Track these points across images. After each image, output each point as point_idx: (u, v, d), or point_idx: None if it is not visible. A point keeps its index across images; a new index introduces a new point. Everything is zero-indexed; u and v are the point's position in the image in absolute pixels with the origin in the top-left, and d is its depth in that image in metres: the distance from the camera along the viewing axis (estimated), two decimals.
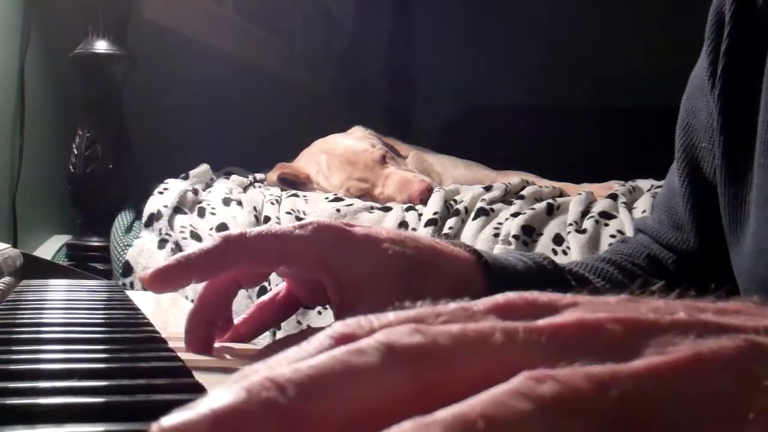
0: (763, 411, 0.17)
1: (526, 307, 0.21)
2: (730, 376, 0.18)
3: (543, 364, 0.18)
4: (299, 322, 1.33)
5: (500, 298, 0.21)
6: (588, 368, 0.18)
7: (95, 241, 1.56)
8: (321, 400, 0.17)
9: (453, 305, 0.21)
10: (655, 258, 0.64)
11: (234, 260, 0.45)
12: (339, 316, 0.47)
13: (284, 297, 0.53)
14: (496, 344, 0.18)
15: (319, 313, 1.31)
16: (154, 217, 1.49)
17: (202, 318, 0.47)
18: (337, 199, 1.63)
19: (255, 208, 1.55)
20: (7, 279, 0.69)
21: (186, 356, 0.42)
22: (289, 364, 0.18)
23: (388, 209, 1.56)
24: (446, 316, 0.20)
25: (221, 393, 0.17)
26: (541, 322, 0.19)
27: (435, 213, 1.50)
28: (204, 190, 1.66)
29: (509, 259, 0.54)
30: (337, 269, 0.46)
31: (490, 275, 0.50)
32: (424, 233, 1.42)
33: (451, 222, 1.48)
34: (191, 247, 0.47)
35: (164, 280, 0.45)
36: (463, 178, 1.94)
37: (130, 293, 0.74)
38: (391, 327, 0.19)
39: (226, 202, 1.58)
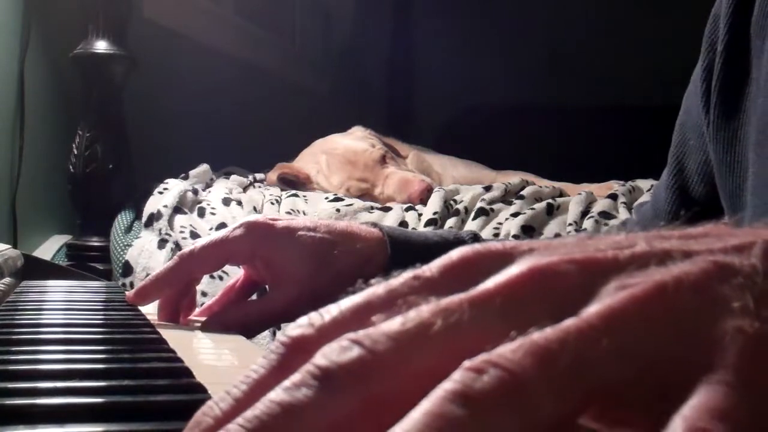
0: (737, 332, 0.16)
1: (480, 260, 0.20)
2: (698, 301, 0.17)
3: (493, 336, 0.17)
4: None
5: (454, 254, 0.20)
6: (534, 338, 0.17)
7: (95, 241, 1.56)
8: None
9: (405, 275, 0.20)
10: None
11: (190, 272, 0.61)
12: (272, 292, 0.61)
13: (243, 281, 0.66)
14: (439, 333, 0.18)
15: None
16: (154, 217, 1.49)
17: (171, 299, 0.62)
18: (337, 199, 1.63)
19: (255, 208, 1.55)
20: (7, 279, 0.69)
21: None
22: (236, 400, 0.19)
23: (388, 209, 1.56)
24: (389, 304, 0.20)
25: None
26: (489, 284, 0.18)
27: (435, 213, 1.50)
28: (204, 190, 1.66)
29: (424, 234, 0.62)
30: (265, 257, 0.60)
31: (392, 246, 0.58)
32: None
33: (450, 222, 1.48)
34: (157, 268, 0.64)
35: (143, 296, 0.60)
36: (463, 178, 1.94)
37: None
38: (332, 336, 0.19)
39: (226, 202, 1.58)
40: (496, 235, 1.43)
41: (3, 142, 1.56)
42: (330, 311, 0.20)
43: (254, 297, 0.69)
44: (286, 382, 0.18)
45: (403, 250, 0.58)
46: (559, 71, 3.25)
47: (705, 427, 0.15)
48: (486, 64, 3.26)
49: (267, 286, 0.64)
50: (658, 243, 0.19)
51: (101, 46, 1.55)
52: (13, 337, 0.42)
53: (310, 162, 1.82)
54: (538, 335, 0.17)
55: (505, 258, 0.20)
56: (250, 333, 0.60)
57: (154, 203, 1.52)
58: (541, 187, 1.65)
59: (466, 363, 0.16)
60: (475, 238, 0.58)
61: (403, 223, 1.50)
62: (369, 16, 3.42)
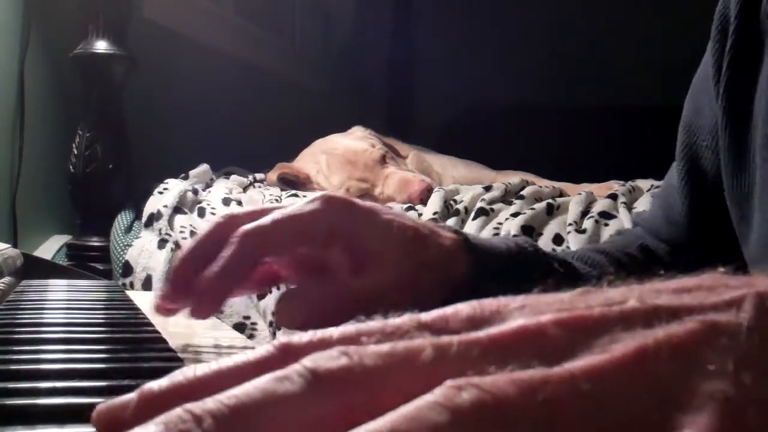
0: (710, 398, 0.16)
1: (474, 316, 0.20)
2: (677, 365, 0.17)
3: (473, 374, 0.17)
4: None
5: (450, 308, 0.21)
6: (516, 373, 0.17)
7: (95, 241, 1.56)
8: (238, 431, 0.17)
9: (404, 318, 0.20)
10: (648, 248, 0.65)
11: (261, 255, 0.46)
12: (360, 276, 0.48)
13: (262, 273, 0.52)
14: (426, 360, 0.18)
15: None
16: (153, 217, 1.49)
17: (193, 264, 0.46)
18: None
19: None
20: (7, 279, 0.69)
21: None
22: (221, 380, 0.19)
23: None
24: (383, 333, 0.20)
25: (143, 428, 0.17)
26: (480, 333, 0.19)
27: (435, 213, 1.50)
28: (204, 190, 1.66)
29: (491, 241, 0.57)
30: (350, 238, 0.48)
31: (472, 252, 0.53)
32: None
33: (451, 222, 1.48)
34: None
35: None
36: (463, 178, 1.94)
37: (130, 293, 0.74)
38: (322, 348, 0.19)
39: (226, 202, 1.58)
40: (496, 235, 1.43)
41: (3, 142, 1.56)
42: (329, 331, 0.20)
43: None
44: (272, 374, 0.18)
45: (482, 256, 0.53)
46: (559, 71, 3.24)
47: None
48: (486, 64, 3.26)
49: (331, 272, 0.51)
50: (650, 299, 0.19)
51: (101, 46, 1.55)
52: (14, 336, 0.42)
53: (310, 162, 1.82)
54: (522, 371, 0.17)
55: (495, 316, 0.20)
56: (326, 322, 0.51)
57: (154, 203, 1.52)
58: (541, 187, 1.64)
59: (449, 381, 0.17)
60: (534, 247, 0.57)
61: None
62: (369, 16, 3.42)
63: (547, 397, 0.17)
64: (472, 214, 1.49)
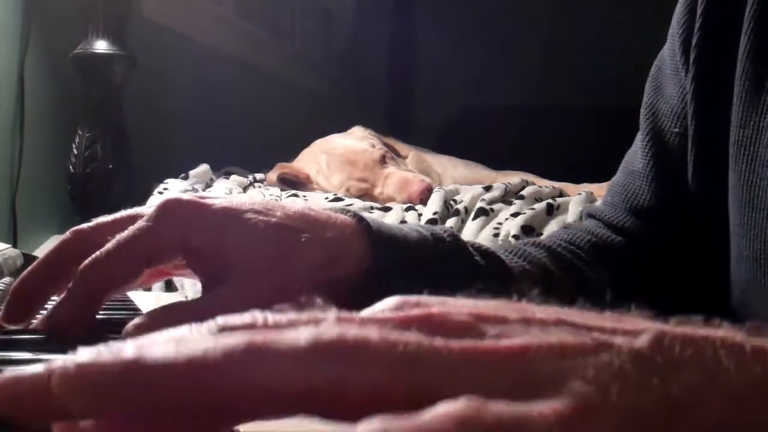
0: (571, 393, 0.17)
1: (397, 305, 0.21)
2: (554, 366, 0.18)
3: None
4: None
5: (375, 306, 0.21)
6: (393, 332, 0.18)
7: None
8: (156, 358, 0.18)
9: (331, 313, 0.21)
10: (599, 244, 0.61)
11: (102, 293, 0.43)
12: (209, 295, 0.44)
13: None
14: (325, 325, 0.19)
15: None
16: None
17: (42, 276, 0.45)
18: (337, 199, 1.63)
19: None
20: (7, 279, 0.69)
21: None
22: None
23: (388, 209, 1.56)
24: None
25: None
26: (388, 314, 0.20)
27: (435, 213, 1.50)
28: (204, 190, 1.66)
29: (402, 228, 0.50)
30: (200, 249, 0.44)
31: (371, 240, 0.47)
32: None
33: (450, 222, 1.48)
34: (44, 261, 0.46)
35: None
36: (463, 178, 1.94)
37: (130, 294, 0.74)
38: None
39: None
40: (496, 235, 1.43)
41: (3, 142, 1.56)
42: (276, 317, 0.20)
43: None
44: (186, 326, 0.19)
45: (384, 243, 0.47)
46: (559, 71, 3.25)
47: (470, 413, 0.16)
48: (486, 64, 3.26)
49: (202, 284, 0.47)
50: (558, 314, 0.20)
51: (101, 46, 1.55)
52: (13, 336, 0.42)
53: (310, 162, 1.82)
54: (403, 333, 0.18)
55: (416, 306, 0.20)
56: None
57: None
58: (541, 187, 1.65)
59: (328, 324, 0.18)
60: (453, 236, 0.52)
61: (403, 223, 1.50)
62: (369, 16, 3.42)
63: (408, 352, 0.17)
64: (472, 214, 1.49)
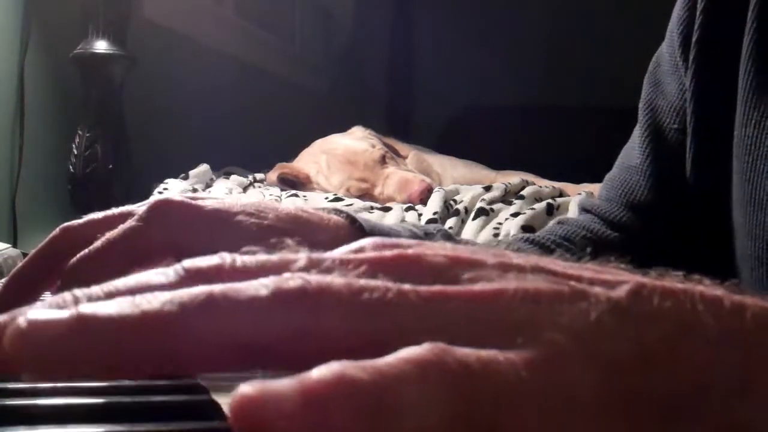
0: (544, 341, 0.17)
1: (371, 247, 0.21)
2: (526, 310, 0.17)
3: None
4: None
5: (353, 244, 0.21)
6: (359, 280, 0.18)
7: None
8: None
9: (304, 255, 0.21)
10: (593, 239, 0.61)
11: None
12: None
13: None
14: (295, 268, 0.19)
15: None
16: None
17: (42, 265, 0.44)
18: (337, 199, 1.63)
19: None
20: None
21: None
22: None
23: (388, 209, 1.56)
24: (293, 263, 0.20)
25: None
26: (361, 255, 0.19)
27: (435, 213, 1.50)
28: (204, 190, 1.66)
29: (394, 228, 0.51)
30: (188, 251, 0.42)
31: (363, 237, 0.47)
32: None
33: (450, 222, 1.48)
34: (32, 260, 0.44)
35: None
36: (463, 178, 1.94)
37: None
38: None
39: None
40: (496, 235, 1.43)
41: (3, 142, 1.56)
42: (245, 259, 0.20)
43: None
44: (153, 270, 0.19)
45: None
46: (559, 71, 3.25)
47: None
48: (486, 64, 3.26)
49: None
50: (534, 261, 0.20)
51: (101, 46, 1.55)
52: None
53: (310, 162, 1.82)
54: (369, 281, 0.18)
55: (393, 247, 0.20)
56: None
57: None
58: (541, 187, 1.65)
59: (289, 273, 0.18)
60: (446, 235, 0.52)
61: (403, 223, 1.50)
62: (369, 16, 3.42)
63: (372, 298, 0.17)
64: (472, 214, 1.49)
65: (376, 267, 0.19)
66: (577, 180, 1.80)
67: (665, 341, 0.17)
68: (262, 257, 0.19)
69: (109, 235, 0.42)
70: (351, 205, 1.58)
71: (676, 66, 0.57)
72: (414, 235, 0.50)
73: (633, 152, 0.62)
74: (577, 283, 0.19)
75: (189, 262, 0.19)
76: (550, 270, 0.19)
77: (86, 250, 0.42)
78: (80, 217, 0.47)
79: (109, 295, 0.18)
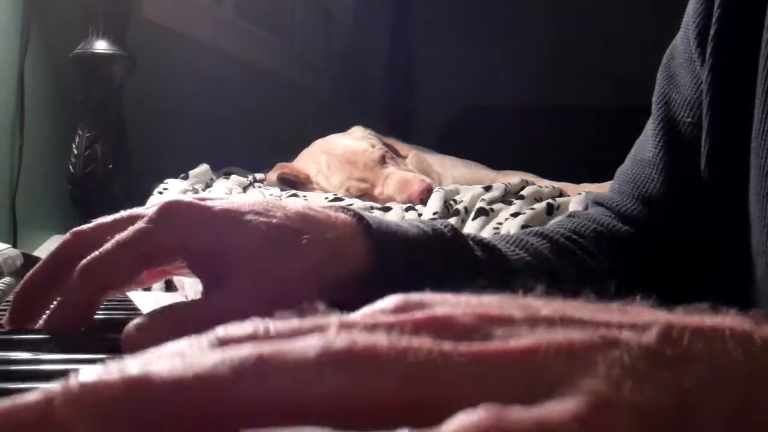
0: (585, 390, 0.17)
1: (397, 307, 0.21)
2: (563, 364, 0.17)
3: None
4: None
5: (375, 304, 0.21)
6: (402, 338, 0.18)
7: None
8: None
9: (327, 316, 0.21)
10: (604, 233, 0.61)
11: (99, 290, 0.43)
12: (210, 297, 0.44)
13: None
14: (329, 330, 0.19)
15: None
16: None
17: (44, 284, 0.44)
18: (337, 199, 1.63)
19: None
20: (7, 279, 0.69)
21: None
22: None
23: (387, 209, 1.56)
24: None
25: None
26: (390, 317, 0.19)
27: (435, 213, 1.50)
28: (204, 190, 1.66)
29: (401, 225, 0.50)
30: (199, 251, 0.44)
31: (372, 239, 0.46)
32: None
33: (450, 222, 1.48)
34: (43, 265, 0.45)
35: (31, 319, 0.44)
36: (463, 178, 1.94)
37: (130, 294, 0.74)
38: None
39: None
40: (496, 235, 1.43)
41: (3, 142, 1.56)
42: (278, 325, 0.20)
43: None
44: (186, 339, 0.19)
45: (385, 241, 0.47)
46: (559, 71, 3.25)
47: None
48: (486, 64, 3.26)
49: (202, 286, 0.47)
50: (563, 309, 0.20)
51: (101, 46, 1.55)
52: (13, 337, 0.42)
53: (310, 162, 1.82)
54: (407, 338, 0.18)
55: (418, 306, 0.20)
56: None
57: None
58: (541, 187, 1.65)
59: (336, 334, 0.18)
60: (454, 231, 0.52)
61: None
62: (369, 16, 3.42)
63: (419, 359, 0.17)
64: (472, 214, 1.49)
65: (411, 330, 0.19)
66: (577, 180, 1.80)
67: (701, 383, 0.17)
68: (294, 323, 0.19)
69: (119, 236, 0.43)
70: (351, 205, 1.58)
71: (692, 59, 0.57)
72: (421, 231, 0.50)
73: (646, 145, 0.61)
74: (607, 331, 0.19)
75: (222, 331, 0.19)
76: (578, 319, 0.19)
77: (96, 252, 0.42)
78: (87, 220, 0.47)
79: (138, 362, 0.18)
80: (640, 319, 0.19)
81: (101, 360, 0.37)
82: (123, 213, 0.46)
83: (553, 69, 3.26)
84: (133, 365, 0.18)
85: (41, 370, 0.34)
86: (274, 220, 0.44)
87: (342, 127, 1.94)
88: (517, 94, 3.17)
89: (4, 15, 1.56)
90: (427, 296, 0.21)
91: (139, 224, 0.43)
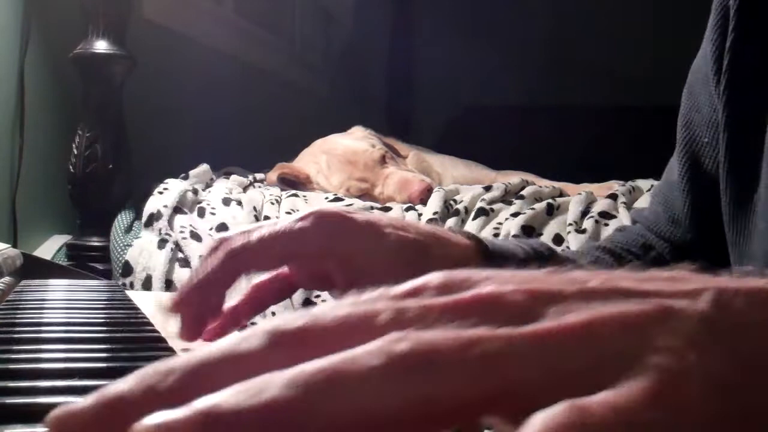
0: (651, 366, 0.17)
1: (441, 286, 0.21)
2: (623, 337, 0.18)
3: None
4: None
5: (421, 279, 0.22)
6: (459, 330, 0.18)
7: (95, 241, 1.55)
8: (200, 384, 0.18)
9: (378, 290, 0.21)
10: (650, 246, 0.64)
11: (243, 271, 0.46)
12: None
13: (283, 279, 0.52)
14: (381, 321, 0.19)
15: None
16: (153, 217, 1.49)
17: (200, 293, 0.46)
18: (337, 200, 1.63)
19: (255, 208, 1.55)
20: (7, 279, 0.69)
21: None
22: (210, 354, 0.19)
23: (388, 209, 1.56)
24: (354, 305, 0.20)
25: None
26: (441, 298, 0.20)
27: (435, 213, 1.50)
28: (204, 190, 1.66)
29: (509, 246, 0.55)
30: (343, 257, 0.48)
31: (488, 260, 0.52)
32: None
33: (450, 222, 1.48)
34: (198, 267, 0.46)
35: (185, 305, 0.46)
36: (463, 178, 1.94)
37: (130, 293, 0.74)
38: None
39: (226, 202, 1.58)
40: (496, 235, 1.43)
41: (3, 142, 1.56)
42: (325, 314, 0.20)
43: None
44: (236, 335, 0.19)
45: (499, 260, 0.52)
46: (559, 71, 3.25)
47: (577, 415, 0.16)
48: (486, 64, 3.26)
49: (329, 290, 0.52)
50: (611, 282, 0.20)
51: (101, 46, 1.55)
52: (14, 335, 0.42)
53: (310, 162, 1.82)
54: (467, 330, 0.18)
55: (464, 285, 0.21)
56: None
57: (154, 203, 1.52)
58: (541, 187, 1.65)
59: (391, 334, 0.18)
60: (549, 249, 0.56)
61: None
62: (369, 16, 3.42)
63: (484, 351, 0.17)
64: (472, 214, 1.49)
65: (458, 312, 0.19)
66: (577, 180, 1.80)
67: (759, 347, 0.18)
68: (343, 310, 0.19)
69: (273, 228, 0.47)
70: (351, 205, 1.58)
71: (707, 79, 0.57)
72: (524, 251, 0.54)
73: (674, 167, 0.63)
74: (659, 300, 0.19)
75: (271, 326, 0.19)
76: (627, 289, 0.19)
77: (249, 239, 0.46)
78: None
79: (200, 364, 0.18)
80: (690, 286, 0.19)
81: (102, 350, 0.37)
82: (276, 226, 0.48)
83: (553, 69, 3.26)
84: (199, 401, 0.17)
85: (42, 369, 0.34)
86: (410, 235, 0.50)
87: (342, 127, 1.94)
88: (516, 94, 3.17)
89: (4, 15, 1.56)
90: (471, 272, 0.21)
91: (293, 223, 0.47)
